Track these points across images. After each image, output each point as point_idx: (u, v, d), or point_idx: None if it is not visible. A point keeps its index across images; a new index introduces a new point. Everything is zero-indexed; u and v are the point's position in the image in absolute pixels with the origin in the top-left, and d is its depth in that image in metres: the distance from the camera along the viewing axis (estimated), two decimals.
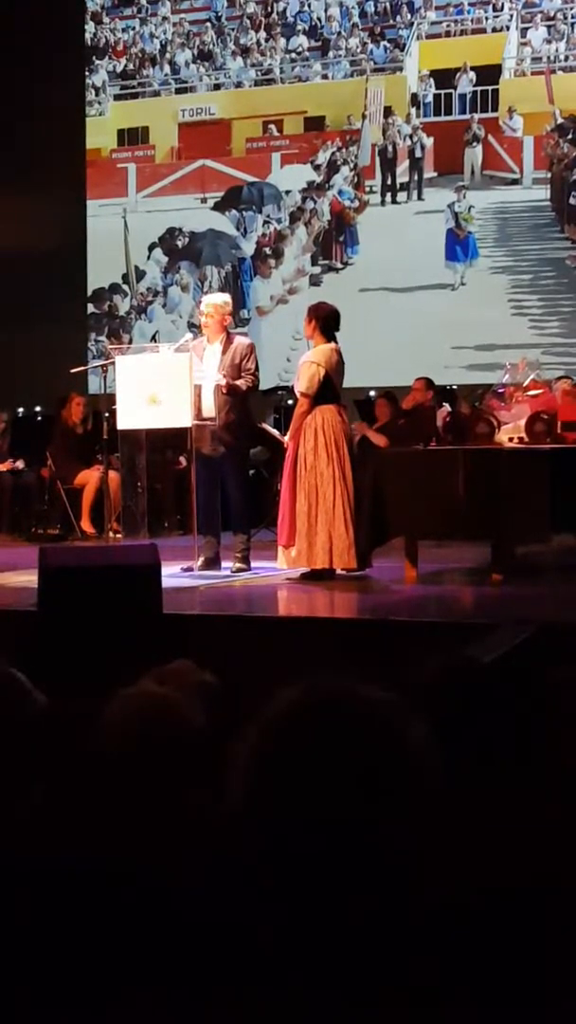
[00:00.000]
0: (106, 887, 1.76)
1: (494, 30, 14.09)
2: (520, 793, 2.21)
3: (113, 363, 9.39)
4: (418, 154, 14.29)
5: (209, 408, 8.78)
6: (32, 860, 1.85)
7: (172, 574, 8.26)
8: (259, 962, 1.43)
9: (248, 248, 14.87)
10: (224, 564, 8.95)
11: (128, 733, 2.28)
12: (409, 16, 14.37)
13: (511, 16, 13.96)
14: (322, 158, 14.65)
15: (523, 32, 13.93)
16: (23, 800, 2.29)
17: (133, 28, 15.60)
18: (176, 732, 2.28)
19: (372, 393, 12.50)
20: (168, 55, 15.45)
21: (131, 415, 8.97)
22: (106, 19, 15.70)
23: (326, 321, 8.58)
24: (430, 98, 14.30)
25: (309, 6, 14.84)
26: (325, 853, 1.40)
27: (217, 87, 15.31)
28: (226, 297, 9.42)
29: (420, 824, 1.42)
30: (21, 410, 14.27)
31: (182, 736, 2.28)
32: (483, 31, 14.17)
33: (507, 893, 1.52)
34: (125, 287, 15.33)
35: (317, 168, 14.67)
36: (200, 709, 2.44)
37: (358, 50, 14.60)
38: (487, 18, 14.11)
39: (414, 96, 14.34)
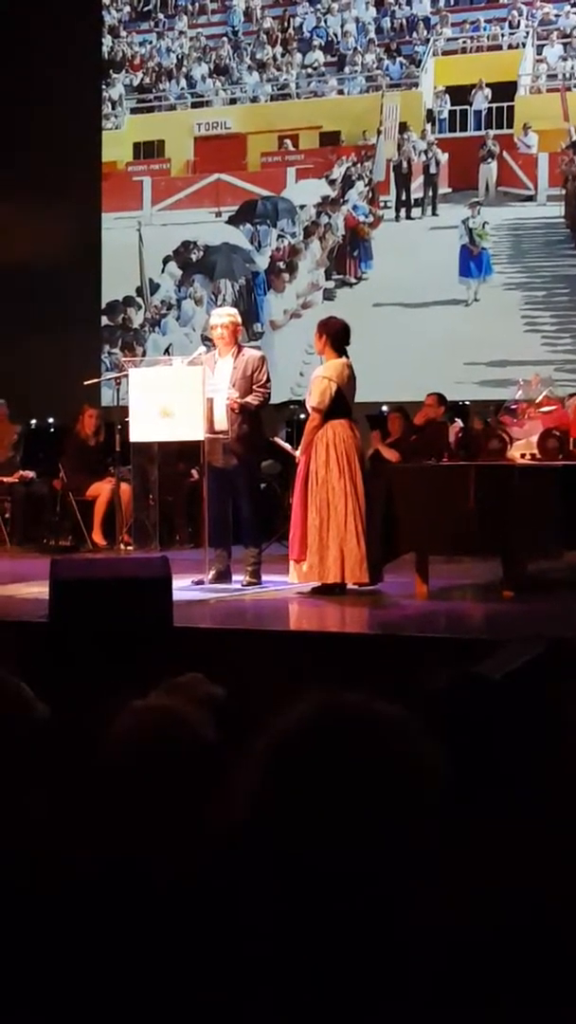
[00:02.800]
0: (110, 897, 1.76)
1: (510, 47, 14.11)
2: (529, 811, 2.21)
3: (126, 375, 9.42)
4: (433, 170, 14.30)
5: (221, 421, 8.79)
6: (35, 870, 1.85)
7: (183, 587, 8.26)
8: (258, 975, 1.43)
9: (262, 262, 14.89)
10: (235, 578, 8.95)
11: (137, 745, 2.28)
12: (425, 32, 14.39)
13: (527, 33, 13.98)
14: (337, 173, 14.67)
15: (539, 49, 13.94)
16: (24, 811, 2.29)
17: (150, 42, 15.65)
18: (186, 745, 2.27)
19: (385, 408, 12.50)
20: (185, 69, 15.49)
21: (144, 427, 8.99)
22: (123, 33, 15.74)
23: (337, 336, 8.59)
24: (445, 114, 14.31)
25: (325, 22, 14.88)
26: (331, 868, 1.40)
27: (233, 101, 15.34)
28: (235, 310, 9.46)
29: (427, 840, 1.42)
30: (34, 421, 14.30)
31: (192, 749, 2.27)
32: (499, 48, 14.19)
33: (512, 911, 1.52)
34: (139, 300, 15.36)
35: (332, 183, 14.69)
36: (210, 723, 2.43)
37: (374, 66, 14.63)
38: (503, 35, 14.13)
39: (429, 112, 14.36)
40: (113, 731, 2.34)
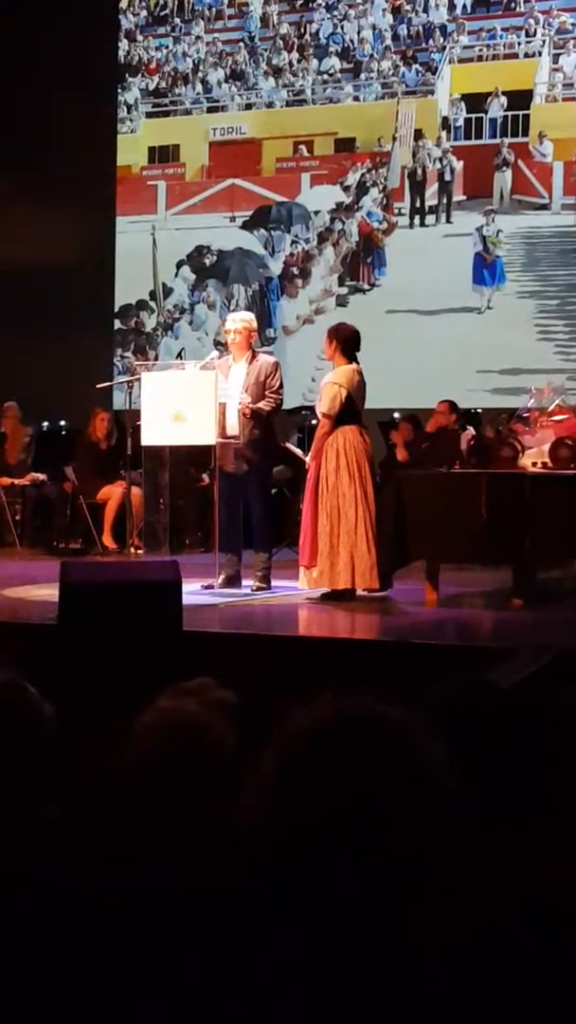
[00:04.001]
0: (118, 904, 1.76)
1: (526, 55, 14.11)
2: (537, 819, 2.20)
3: (139, 379, 9.43)
4: (447, 177, 14.30)
5: (233, 426, 8.80)
6: (47, 875, 1.85)
7: (192, 591, 8.26)
8: (267, 982, 1.43)
9: (276, 268, 14.90)
10: (245, 582, 8.96)
11: (151, 748, 2.28)
12: (441, 40, 14.40)
13: (543, 42, 13.98)
14: (351, 179, 14.68)
15: (555, 58, 13.94)
16: (34, 814, 2.29)
17: (166, 47, 15.67)
18: (199, 750, 2.28)
19: (396, 415, 12.50)
20: (200, 74, 15.51)
21: (155, 431, 9.00)
22: (140, 37, 15.77)
23: (347, 342, 8.60)
24: (461, 122, 14.31)
25: (342, 28, 14.89)
26: (340, 874, 1.40)
27: (248, 107, 15.36)
28: (251, 315, 9.46)
29: (438, 847, 1.42)
30: (46, 424, 14.32)
31: (205, 754, 2.28)
32: (515, 56, 14.19)
33: (522, 917, 1.51)
34: (152, 304, 15.37)
35: (346, 189, 14.70)
36: (230, 727, 2.44)
37: (390, 73, 14.64)
38: (519, 43, 14.13)
39: (445, 119, 14.36)
40: (135, 731, 2.34)
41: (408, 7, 14.53)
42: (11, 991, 1.70)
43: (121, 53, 15.78)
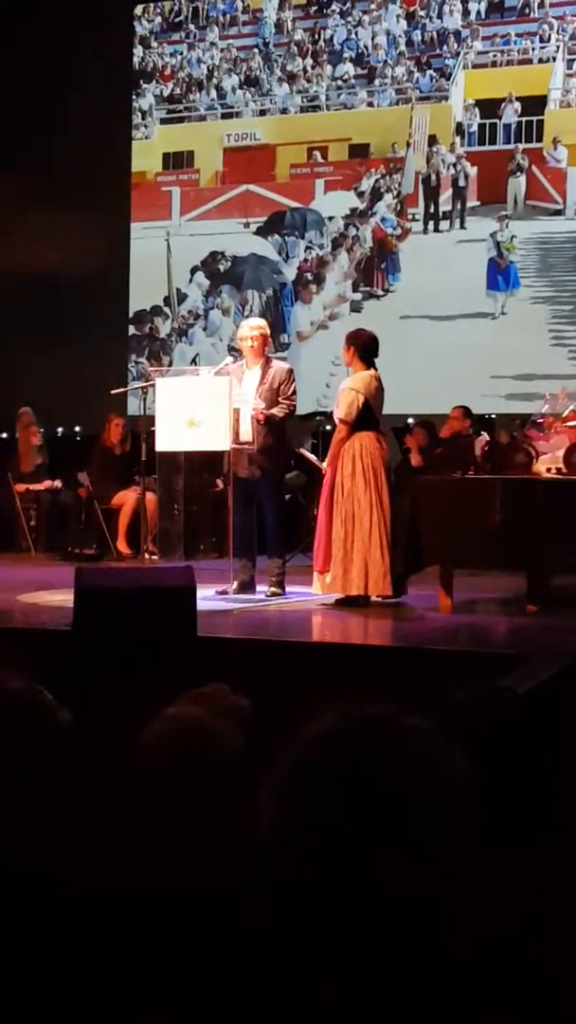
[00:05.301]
0: (129, 909, 1.76)
1: (540, 61, 14.11)
2: (553, 827, 2.20)
3: (153, 385, 9.43)
4: (461, 183, 14.30)
5: (247, 432, 8.80)
6: (56, 879, 1.85)
7: (207, 597, 8.26)
8: (279, 990, 1.43)
9: (290, 273, 14.91)
10: (259, 588, 8.96)
11: (165, 754, 2.28)
12: (456, 45, 14.40)
13: (558, 47, 13.97)
14: (365, 185, 14.68)
15: (569, 64, 13.93)
16: (46, 818, 2.30)
17: (181, 53, 15.69)
18: (214, 756, 2.28)
19: (410, 421, 12.50)
20: (215, 80, 15.53)
21: (170, 437, 9.00)
22: (154, 44, 15.80)
23: (365, 348, 8.60)
24: (475, 127, 14.31)
25: (356, 34, 14.90)
26: (356, 883, 1.40)
27: (263, 113, 15.37)
28: (264, 322, 9.47)
29: (455, 855, 1.42)
30: (60, 429, 14.35)
31: (221, 760, 2.28)
32: (529, 62, 14.18)
33: (542, 932, 1.52)
34: (166, 309, 15.39)
35: (360, 195, 14.70)
36: (239, 734, 2.44)
37: (404, 78, 14.64)
38: (533, 49, 14.13)
39: (459, 125, 14.36)
40: (144, 737, 2.34)
41: (422, 13, 14.54)
42: (13, 994, 1.70)
43: (136, 59, 15.80)
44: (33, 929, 1.76)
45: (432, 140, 14.45)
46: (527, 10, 14.11)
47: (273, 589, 8.88)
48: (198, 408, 8.81)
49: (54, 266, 15.10)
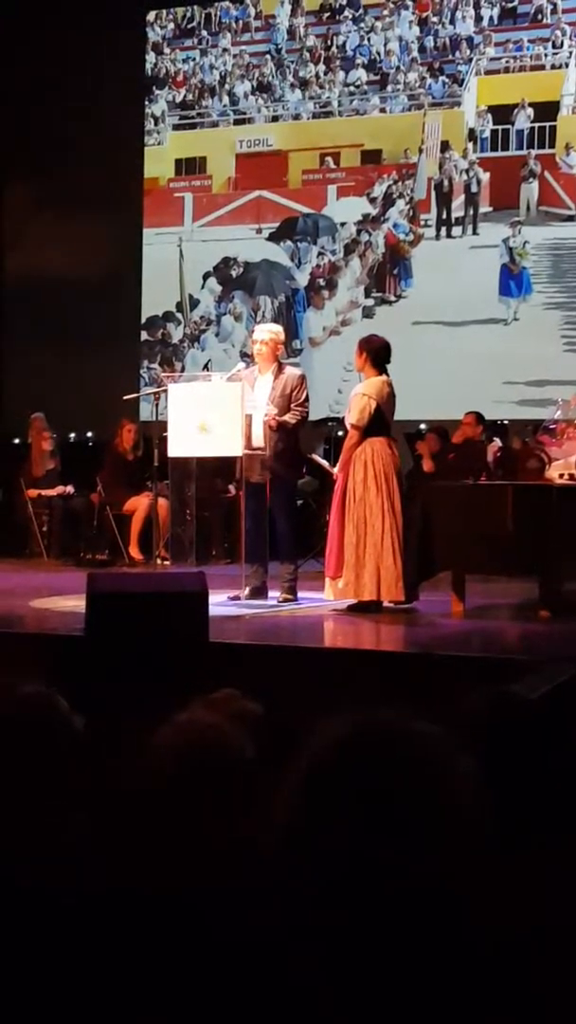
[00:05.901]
0: (144, 917, 1.76)
1: (553, 67, 14.10)
2: (565, 832, 2.20)
3: (165, 391, 9.44)
4: (474, 189, 14.30)
5: (259, 438, 8.81)
6: (72, 888, 1.86)
7: (219, 602, 8.27)
8: (295, 998, 1.43)
9: (302, 279, 14.92)
10: (271, 594, 8.96)
11: (177, 760, 2.28)
12: (468, 52, 14.40)
13: (570, 53, 13.96)
14: (378, 191, 14.69)
15: None
16: (61, 826, 2.30)
17: (193, 59, 15.72)
18: (225, 762, 2.28)
19: (423, 427, 12.50)
20: (227, 86, 15.55)
21: (182, 443, 9.01)
22: (167, 50, 15.82)
23: (377, 354, 8.60)
24: (487, 133, 14.31)
25: (369, 40, 14.91)
26: (369, 889, 1.40)
27: (275, 119, 15.39)
28: (278, 327, 9.48)
29: (467, 861, 1.42)
30: (73, 435, 14.36)
31: (231, 766, 2.28)
32: (542, 68, 14.18)
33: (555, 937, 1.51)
34: (179, 315, 15.41)
35: (373, 201, 14.71)
36: (249, 739, 2.44)
37: (416, 84, 14.65)
38: (546, 55, 14.13)
39: (471, 131, 14.36)
40: (155, 743, 2.34)
41: (435, 19, 14.54)
42: (14, 994, 1.70)
43: (148, 66, 15.83)
44: (41, 932, 1.77)
45: (444, 146, 14.45)
46: (540, 16, 14.11)
47: (285, 595, 8.88)
48: (210, 414, 8.82)
49: (66, 271, 15.12)
